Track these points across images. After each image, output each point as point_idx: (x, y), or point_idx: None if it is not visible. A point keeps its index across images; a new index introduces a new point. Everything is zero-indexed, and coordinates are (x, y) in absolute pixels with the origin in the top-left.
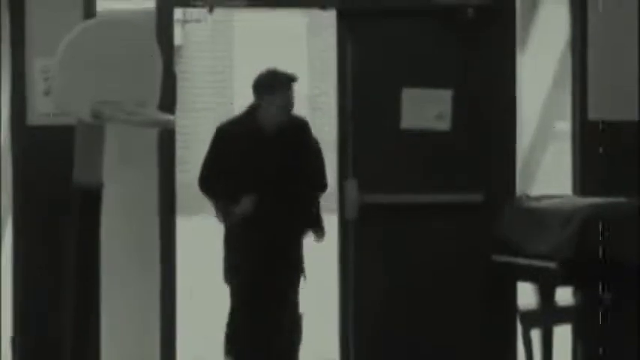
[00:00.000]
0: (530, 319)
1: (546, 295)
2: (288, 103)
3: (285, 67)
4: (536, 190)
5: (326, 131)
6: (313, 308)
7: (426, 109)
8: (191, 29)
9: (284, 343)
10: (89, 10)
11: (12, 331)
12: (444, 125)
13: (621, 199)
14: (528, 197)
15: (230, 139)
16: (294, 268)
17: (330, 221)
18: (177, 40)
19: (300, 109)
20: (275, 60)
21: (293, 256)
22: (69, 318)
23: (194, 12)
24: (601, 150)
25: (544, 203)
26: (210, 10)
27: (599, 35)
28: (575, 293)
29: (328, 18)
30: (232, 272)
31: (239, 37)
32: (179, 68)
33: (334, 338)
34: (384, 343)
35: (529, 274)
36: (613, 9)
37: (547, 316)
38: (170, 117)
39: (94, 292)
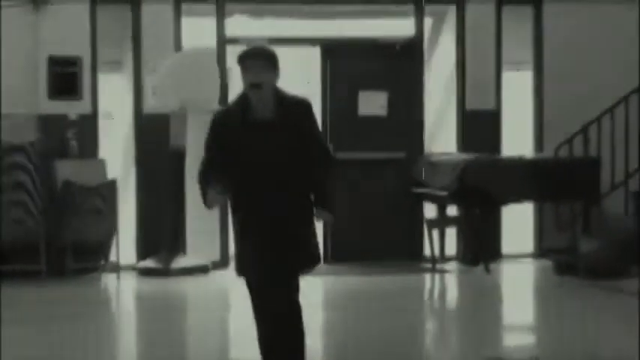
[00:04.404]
0: (432, 224)
1: (441, 210)
2: (262, 83)
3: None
4: (436, 149)
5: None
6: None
7: (373, 103)
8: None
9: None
10: (178, 46)
11: (136, 231)
12: (383, 112)
13: (484, 154)
14: (432, 154)
15: (223, 126)
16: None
17: None
18: (229, 63)
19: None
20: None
21: (299, 246)
22: (168, 223)
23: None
24: (472, 126)
25: (440, 157)
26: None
27: (473, 58)
28: (458, 209)
29: None
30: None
31: None
32: (230, 82)
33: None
34: (346, 238)
35: (432, 198)
36: (481, 43)
37: (442, 222)
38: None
39: (182, 206)
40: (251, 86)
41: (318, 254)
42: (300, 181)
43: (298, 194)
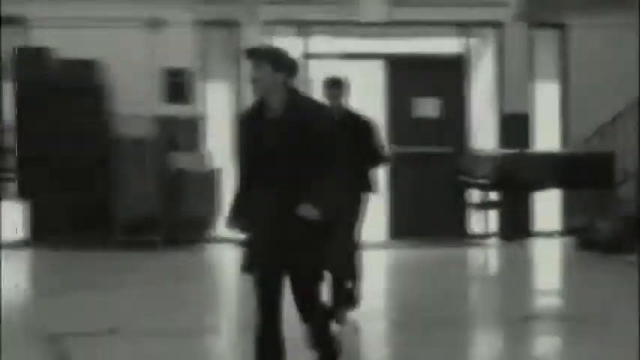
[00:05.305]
0: (476, 207)
1: (484, 195)
2: (256, 78)
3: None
4: (479, 145)
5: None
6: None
7: (427, 106)
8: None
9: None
10: None
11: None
12: (435, 114)
13: (518, 150)
14: (475, 149)
15: (243, 124)
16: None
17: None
18: (310, 75)
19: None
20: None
21: (295, 253)
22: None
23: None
24: (508, 127)
25: (483, 152)
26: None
27: (509, 71)
28: (498, 194)
29: None
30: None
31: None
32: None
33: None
34: (405, 217)
35: (476, 186)
36: (516, 58)
37: (484, 205)
38: None
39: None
40: (251, 81)
41: (315, 265)
42: (306, 181)
43: (298, 192)
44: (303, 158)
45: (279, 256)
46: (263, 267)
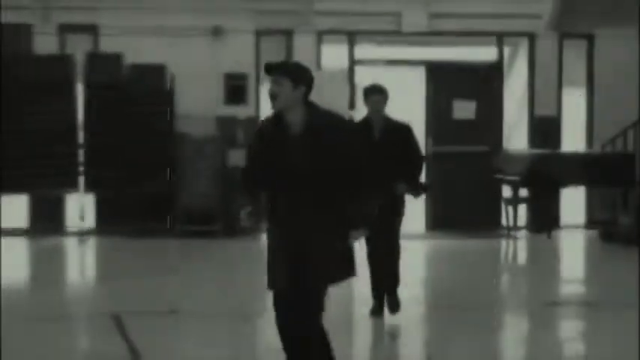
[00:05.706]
0: (508, 202)
1: (515, 191)
2: (275, 93)
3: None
4: (511, 145)
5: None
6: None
7: (464, 109)
8: (362, 74)
9: None
10: (319, 66)
11: None
12: (472, 116)
13: (547, 150)
14: (508, 148)
15: (261, 134)
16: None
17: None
18: (357, 80)
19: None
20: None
21: (320, 261)
22: None
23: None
24: (539, 128)
25: (515, 151)
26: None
27: (540, 77)
28: (528, 190)
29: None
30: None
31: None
32: (357, 94)
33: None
34: (442, 211)
35: (508, 182)
36: (546, 66)
37: (515, 200)
38: (351, 112)
39: None
40: (269, 96)
41: (338, 269)
42: (325, 195)
43: (322, 209)
44: (327, 175)
45: (289, 279)
46: (275, 293)
